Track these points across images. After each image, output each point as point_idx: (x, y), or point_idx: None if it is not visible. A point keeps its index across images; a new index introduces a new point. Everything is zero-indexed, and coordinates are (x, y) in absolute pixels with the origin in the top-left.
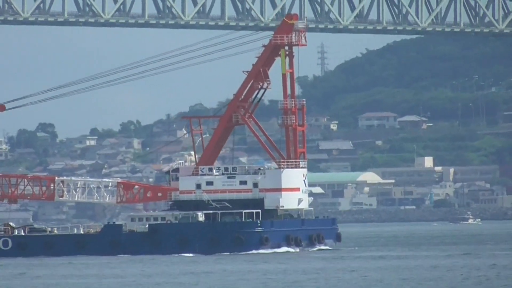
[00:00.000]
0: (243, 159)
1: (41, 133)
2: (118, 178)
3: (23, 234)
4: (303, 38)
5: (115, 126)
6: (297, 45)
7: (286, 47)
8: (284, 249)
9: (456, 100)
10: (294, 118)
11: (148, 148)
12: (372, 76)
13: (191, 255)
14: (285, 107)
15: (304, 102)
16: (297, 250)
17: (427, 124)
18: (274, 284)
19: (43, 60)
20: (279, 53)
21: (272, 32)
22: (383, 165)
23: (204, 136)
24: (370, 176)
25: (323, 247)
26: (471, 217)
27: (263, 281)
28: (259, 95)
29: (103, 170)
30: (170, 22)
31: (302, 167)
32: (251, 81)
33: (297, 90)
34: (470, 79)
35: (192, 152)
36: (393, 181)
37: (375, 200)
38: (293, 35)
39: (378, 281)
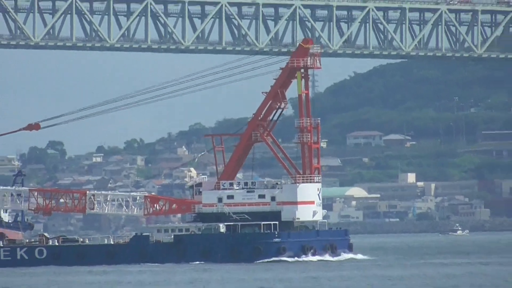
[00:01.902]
0: (239, 175)
1: (51, 151)
2: (145, 192)
3: (56, 244)
4: (317, 61)
5: (120, 144)
6: (313, 68)
7: (302, 70)
8: (319, 257)
9: (438, 120)
10: (309, 136)
11: (202, 153)
12: (359, 97)
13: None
14: (301, 125)
15: (319, 121)
16: (332, 259)
17: (410, 143)
18: None
19: (57, 82)
20: (295, 75)
21: (278, 57)
22: (369, 181)
23: (202, 153)
24: (357, 191)
25: (349, 256)
26: (459, 228)
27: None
28: (276, 115)
29: (109, 185)
30: (171, 47)
31: (316, 182)
32: (270, 102)
33: (289, 110)
34: (451, 100)
35: (192, 168)
36: (378, 195)
37: (362, 213)
38: (309, 58)
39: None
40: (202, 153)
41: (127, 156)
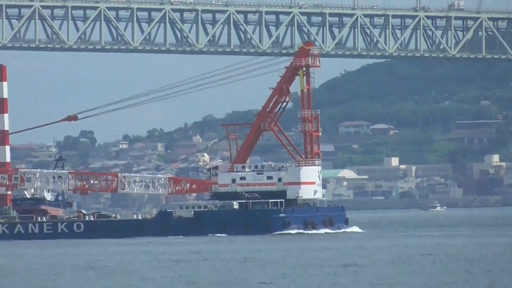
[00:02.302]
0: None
1: (83, 139)
2: (169, 174)
3: (92, 219)
4: (317, 61)
5: (142, 133)
6: (313, 66)
7: (304, 68)
8: (322, 230)
9: (417, 111)
10: (310, 125)
11: (214, 141)
12: (349, 92)
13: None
14: (303, 116)
15: (319, 112)
16: (333, 231)
17: (393, 131)
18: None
19: (88, 79)
20: (298, 73)
21: (270, 57)
22: (358, 164)
23: (213, 141)
24: (348, 173)
25: (349, 229)
26: (438, 205)
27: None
28: (282, 107)
29: (133, 168)
30: (186, 49)
31: (317, 165)
32: (276, 96)
33: (289, 104)
34: (428, 94)
35: (205, 154)
36: (366, 177)
37: (352, 192)
38: (310, 58)
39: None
40: (214, 140)
41: (149, 143)
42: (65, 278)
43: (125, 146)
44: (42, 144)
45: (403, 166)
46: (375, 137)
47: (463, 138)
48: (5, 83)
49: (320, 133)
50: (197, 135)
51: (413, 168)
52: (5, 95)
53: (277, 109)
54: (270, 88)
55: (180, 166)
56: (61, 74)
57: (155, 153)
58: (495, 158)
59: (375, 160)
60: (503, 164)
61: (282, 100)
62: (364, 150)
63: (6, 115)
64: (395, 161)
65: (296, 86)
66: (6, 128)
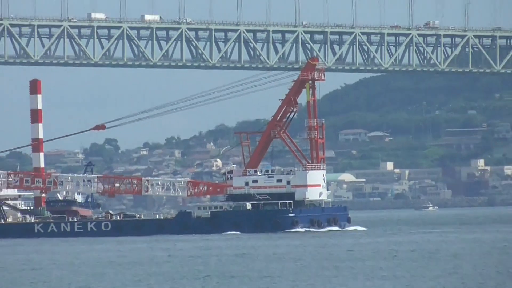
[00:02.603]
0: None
1: (107, 146)
2: (187, 178)
3: (118, 219)
4: (322, 75)
5: (161, 141)
6: (318, 80)
7: (310, 82)
8: (327, 228)
9: (410, 120)
10: (316, 133)
11: (226, 148)
12: (348, 103)
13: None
14: (310, 125)
15: (324, 121)
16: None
17: (388, 138)
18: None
19: (112, 92)
20: (305, 86)
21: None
22: (357, 168)
23: (225, 148)
24: (347, 176)
25: (352, 228)
26: (430, 205)
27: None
28: (290, 117)
29: (153, 173)
30: (201, 64)
31: (322, 169)
32: (285, 106)
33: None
34: (420, 105)
35: (218, 159)
36: (364, 180)
37: (351, 194)
38: (315, 73)
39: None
40: (226, 147)
41: (167, 150)
42: (87, 272)
43: (145, 153)
44: (70, 151)
45: (397, 170)
46: (372, 143)
47: (451, 144)
48: (39, 96)
49: (324, 140)
50: (211, 143)
51: (406, 172)
52: (40, 106)
53: (285, 119)
54: (279, 99)
55: (195, 171)
56: (87, 87)
57: (172, 159)
58: (481, 162)
59: (371, 164)
60: (488, 168)
61: (290, 110)
62: (362, 156)
63: (40, 125)
64: (390, 165)
65: (301, 98)
66: (41, 136)
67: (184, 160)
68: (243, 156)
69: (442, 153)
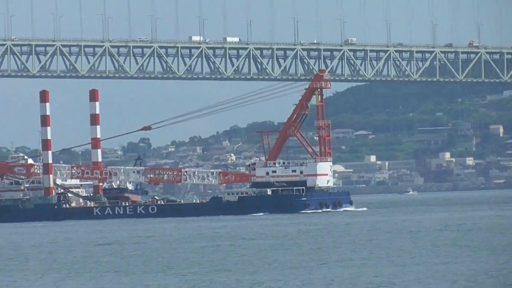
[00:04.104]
0: (263, 158)
1: (141, 144)
2: (219, 169)
3: (163, 203)
4: (328, 83)
5: (186, 139)
6: (325, 88)
7: (319, 89)
8: (333, 210)
9: (389, 121)
10: (324, 132)
11: (238, 145)
12: (338, 107)
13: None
14: (318, 125)
15: (330, 122)
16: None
17: (371, 136)
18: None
19: (147, 101)
20: (314, 93)
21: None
22: (346, 161)
23: (238, 145)
24: (338, 167)
25: (349, 208)
26: (411, 190)
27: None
28: (302, 118)
29: (179, 166)
30: (217, 76)
31: (328, 161)
32: (298, 110)
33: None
34: (397, 108)
35: (232, 154)
36: (351, 170)
37: (341, 182)
38: (323, 82)
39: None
40: (238, 144)
41: (190, 147)
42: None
43: (172, 149)
44: (110, 148)
45: (379, 162)
46: (358, 140)
47: (423, 140)
48: (97, 103)
49: (330, 138)
50: (226, 140)
51: (387, 163)
52: (98, 111)
53: (299, 120)
54: (293, 104)
55: (214, 164)
56: (127, 96)
57: (195, 154)
58: (447, 155)
59: (358, 157)
60: (453, 159)
61: (303, 113)
62: (350, 150)
63: (98, 127)
64: (373, 158)
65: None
66: (99, 136)
67: (204, 155)
68: (264, 150)
69: (415, 148)
